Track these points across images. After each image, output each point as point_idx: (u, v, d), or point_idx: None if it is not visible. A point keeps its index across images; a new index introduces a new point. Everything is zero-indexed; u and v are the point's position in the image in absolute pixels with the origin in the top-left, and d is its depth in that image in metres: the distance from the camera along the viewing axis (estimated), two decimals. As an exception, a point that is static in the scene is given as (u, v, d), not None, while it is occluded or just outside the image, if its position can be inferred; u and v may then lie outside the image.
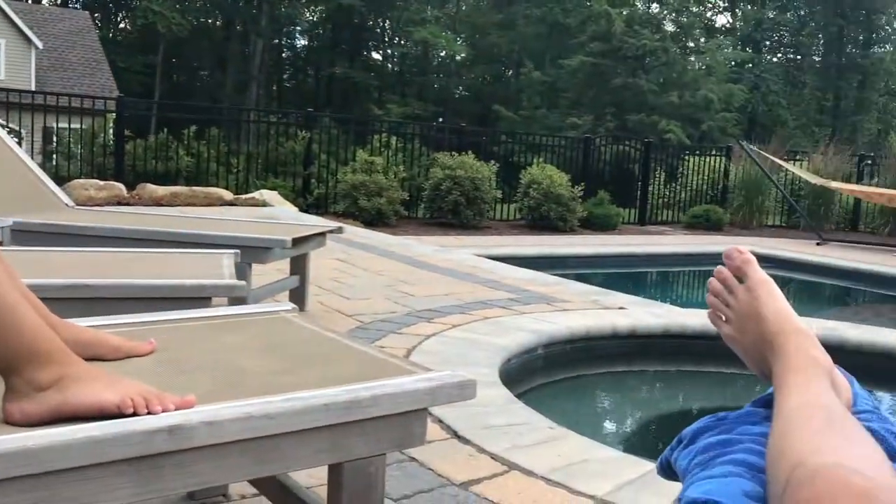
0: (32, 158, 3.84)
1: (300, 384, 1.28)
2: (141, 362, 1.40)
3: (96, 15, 36.98)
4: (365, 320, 3.78)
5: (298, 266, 3.69)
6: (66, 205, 3.72)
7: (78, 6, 38.53)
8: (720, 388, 4.28)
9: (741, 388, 4.16)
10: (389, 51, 43.79)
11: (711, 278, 1.03)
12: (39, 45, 24.88)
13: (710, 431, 0.86)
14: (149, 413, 1.09)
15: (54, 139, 12.34)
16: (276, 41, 42.43)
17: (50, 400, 1.08)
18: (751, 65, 39.24)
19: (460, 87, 42.37)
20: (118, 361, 1.39)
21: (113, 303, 2.00)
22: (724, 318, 1.02)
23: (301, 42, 44.83)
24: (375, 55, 43.90)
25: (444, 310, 4.13)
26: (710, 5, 44.23)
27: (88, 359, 1.22)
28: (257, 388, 1.26)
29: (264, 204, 9.78)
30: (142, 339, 1.50)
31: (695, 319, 4.23)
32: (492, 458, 2.21)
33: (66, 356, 1.12)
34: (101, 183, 9.54)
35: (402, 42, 41.78)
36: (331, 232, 3.83)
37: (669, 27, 35.00)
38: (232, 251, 2.55)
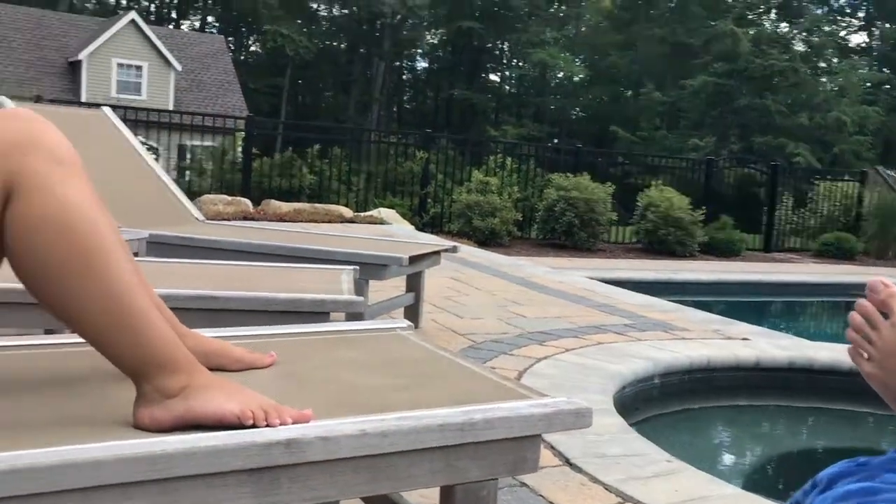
0: (168, 174, 4.05)
1: (415, 403, 1.28)
2: (261, 374, 1.44)
3: (230, 39, 38.86)
4: (477, 340, 3.78)
5: (414, 283, 3.73)
6: (197, 219, 3.90)
7: (214, 31, 40.63)
8: (850, 427, 4.03)
9: (873, 428, 3.91)
10: (507, 72, 44.02)
11: (853, 312, 0.96)
12: (178, 67, 26.35)
13: (849, 477, 0.80)
14: (267, 426, 1.12)
15: (188, 156, 13.01)
16: (398, 64, 43.42)
17: (177, 407, 1.12)
18: (888, 86, 37.23)
19: (577, 108, 42.11)
20: (240, 372, 1.43)
21: (237, 314, 2.07)
22: (865, 354, 0.95)
23: (422, 64, 45.71)
24: (493, 77, 44.23)
25: (556, 333, 4.07)
26: (843, 25, 42.31)
27: (212, 368, 1.26)
28: (373, 405, 1.26)
29: (382, 222, 9.97)
30: (263, 351, 1.54)
31: (824, 353, 4.01)
32: (605, 488, 2.15)
33: (192, 365, 1.16)
34: (229, 198, 9.97)
35: (520, 63, 41.92)
36: (445, 251, 3.86)
37: (799, 47, 33.68)
38: (351, 267, 2.60)
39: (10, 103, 3.76)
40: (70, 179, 1.10)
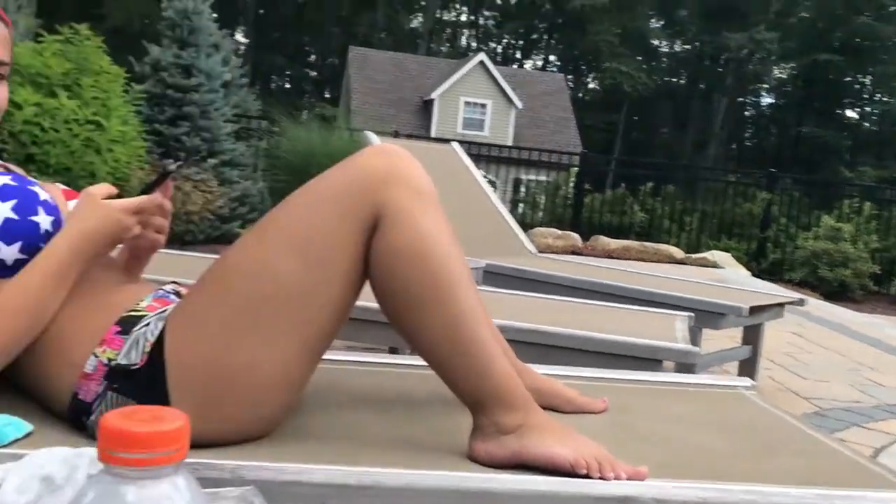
0: (503, 206, 4.20)
1: (760, 475, 1.15)
2: (592, 420, 1.39)
3: (569, 77, 40.02)
4: (823, 406, 3.39)
5: (751, 336, 3.45)
6: (530, 251, 3.99)
7: (555, 69, 42.11)
8: None
9: None
10: (868, 108, 39.99)
11: None
12: (519, 105, 27.65)
13: None
14: (601, 478, 1.06)
15: (522, 189, 13.52)
16: (741, 99, 41.51)
17: (511, 445, 1.11)
18: None
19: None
20: (571, 415, 1.40)
21: (566, 352, 2.05)
22: None
23: (767, 100, 43.25)
24: (850, 113, 40.45)
25: (922, 407, 3.52)
26: None
27: (544, 407, 1.24)
28: (712, 471, 1.16)
29: (715, 265, 9.50)
30: (593, 394, 1.50)
31: None
32: None
33: (529, 404, 1.15)
34: (559, 232, 10.16)
35: (885, 98, 37.84)
36: (790, 303, 3.53)
37: None
38: (686, 314, 2.46)
39: (374, 137, 4.16)
40: (427, 211, 1.15)
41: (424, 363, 1.25)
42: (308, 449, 1.14)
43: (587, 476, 1.06)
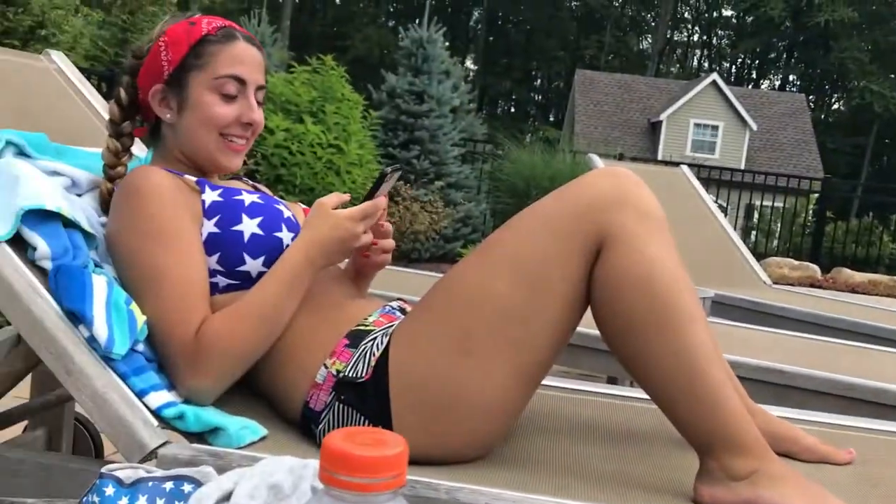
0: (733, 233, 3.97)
1: None
2: (835, 472, 1.25)
3: (810, 97, 37.45)
4: None
5: None
6: (764, 282, 3.74)
7: (794, 89, 39.59)
8: None
9: None
10: None
11: None
12: (754, 126, 26.26)
13: None
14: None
15: (755, 216, 12.78)
16: None
17: (743, 492, 1.03)
18: None
19: None
20: (810, 465, 1.27)
21: (805, 394, 1.88)
22: None
23: None
24: None
25: None
26: None
27: (778, 453, 1.13)
28: None
29: (981, 305, 8.41)
30: (835, 443, 1.36)
31: None
32: None
33: (763, 450, 1.06)
34: (796, 263, 9.47)
35: None
36: None
37: None
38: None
39: (598, 160, 4.10)
40: (655, 236, 1.10)
41: (647, 397, 1.19)
42: (524, 477, 1.11)
43: None
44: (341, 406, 1.15)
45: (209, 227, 1.23)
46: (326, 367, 1.17)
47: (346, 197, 1.24)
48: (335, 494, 0.45)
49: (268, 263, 1.23)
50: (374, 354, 1.15)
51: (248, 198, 1.28)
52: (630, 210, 1.10)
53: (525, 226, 1.15)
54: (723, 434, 1.05)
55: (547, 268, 1.11)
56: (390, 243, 1.33)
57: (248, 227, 1.23)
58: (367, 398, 1.14)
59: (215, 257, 1.22)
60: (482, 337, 1.11)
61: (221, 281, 1.22)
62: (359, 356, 1.16)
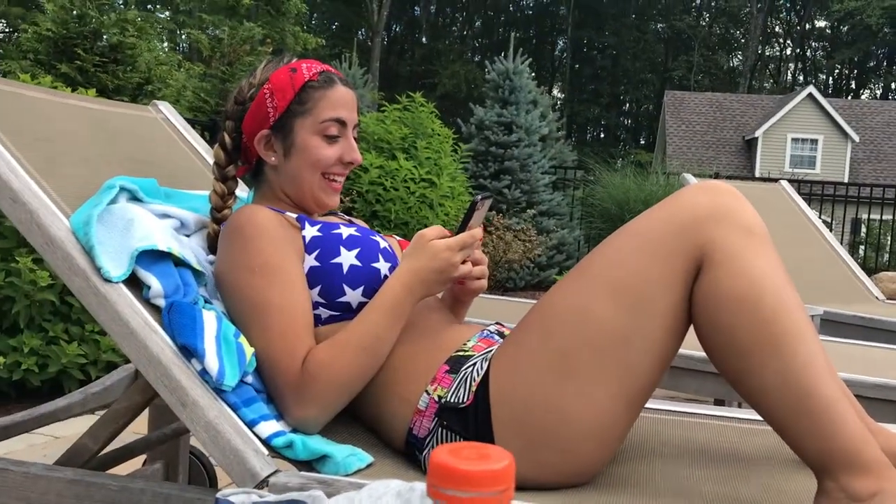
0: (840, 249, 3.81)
1: None
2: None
3: (917, 104, 35.68)
4: None
5: None
6: (876, 297, 3.57)
7: (898, 97, 37.88)
8: None
9: None
10: None
11: None
12: (856, 138, 25.23)
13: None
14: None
15: (863, 230, 12.22)
16: None
17: (863, 514, 0.98)
18: None
19: None
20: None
21: (929, 412, 1.78)
22: None
23: None
24: None
25: None
26: None
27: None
28: None
29: None
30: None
31: None
32: None
33: (886, 468, 1.01)
34: (911, 277, 8.98)
35: None
36: None
37: None
38: None
39: (692, 179, 4.01)
40: (759, 251, 1.07)
41: (757, 417, 1.15)
42: (630, 502, 1.09)
43: None
44: (444, 431, 1.16)
45: (310, 261, 1.27)
46: (428, 394, 1.18)
47: (446, 232, 1.26)
48: (444, 508, 0.46)
49: (367, 293, 1.25)
50: (474, 380, 1.15)
51: (346, 231, 1.31)
52: (731, 225, 1.07)
53: (622, 245, 1.13)
54: (840, 452, 1.00)
55: (646, 288, 1.09)
56: (484, 269, 1.34)
57: (347, 258, 1.27)
58: (470, 423, 1.14)
59: (316, 290, 1.25)
60: (583, 359, 1.09)
61: (324, 313, 1.26)
62: (460, 381, 1.16)
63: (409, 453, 1.21)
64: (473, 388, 1.15)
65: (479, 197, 1.26)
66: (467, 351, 1.21)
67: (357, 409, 1.27)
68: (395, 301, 1.21)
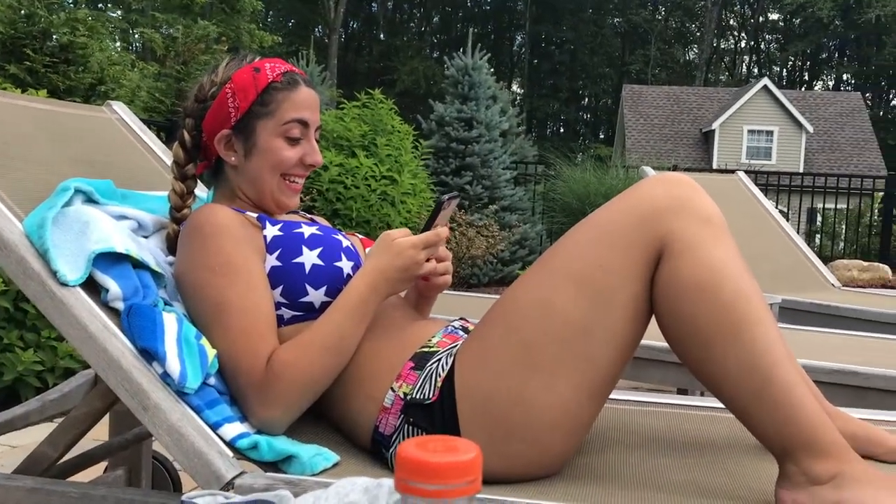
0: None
1: None
2: (923, 472, 1.21)
3: (867, 94, 36.53)
4: None
5: None
6: (833, 285, 3.64)
7: (850, 88, 38.68)
8: None
9: None
10: None
11: None
12: (810, 129, 25.72)
13: None
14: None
15: (818, 219, 12.46)
16: None
17: (826, 497, 1.00)
18: None
19: None
20: (894, 465, 1.23)
21: (883, 395, 1.82)
22: None
23: None
24: None
25: None
26: None
27: (860, 456, 1.09)
28: None
29: None
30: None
31: None
32: None
33: (844, 451, 1.03)
34: (865, 264, 9.18)
35: None
36: None
37: None
38: None
39: (651, 172, 4.06)
40: (718, 240, 1.08)
41: (720, 405, 1.16)
42: (598, 492, 1.10)
43: None
44: (410, 428, 1.16)
45: (271, 261, 1.26)
46: (394, 391, 1.18)
47: (411, 234, 1.25)
48: (413, 503, 0.45)
49: (330, 293, 1.25)
50: (440, 375, 1.15)
51: (308, 230, 1.30)
52: (689, 215, 1.09)
53: (583, 238, 1.14)
54: (801, 437, 1.02)
55: (607, 279, 1.09)
56: (448, 265, 1.34)
57: (309, 258, 1.26)
58: (436, 419, 1.14)
59: (279, 290, 1.24)
60: (547, 352, 1.10)
61: (286, 313, 1.25)
62: (425, 377, 1.16)
63: (375, 451, 1.21)
64: (439, 384, 1.15)
65: (447, 197, 1.25)
66: (432, 347, 1.21)
67: (322, 408, 1.26)
68: (359, 300, 1.21)
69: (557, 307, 1.10)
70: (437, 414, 1.14)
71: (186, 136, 1.37)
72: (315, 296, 1.24)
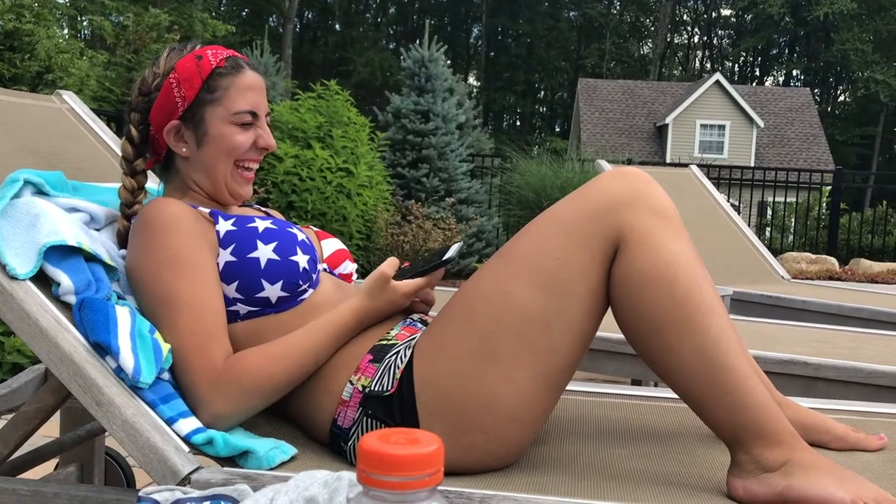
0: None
1: None
2: (868, 458, 1.24)
3: (816, 91, 37.33)
4: None
5: None
6: (782, 277, 3.72)
7: (799, 84, 39.49)
8: None
9: None
10: None
11: None
12: (761, 123, 26.20)
13: None
14: (885, 525, 0.94)
15: (769, 212, 12.72)
16: None
17: (776, 483, 1.02)
18: None
19: None
20: (841, 453, 1.26)
21: (832, 385, 1.87)
22: None
23: None
24: None
25: None
26: None
27: (810, 444, 1.12)
28: None
29: None
30: (867, 430, 1.35)
31: None
32: None
33: (793, 439, 1.06)
34: (813, 256, 9.41)
35: None
36: None
37: None
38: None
39: (607, 166, 4.10)
40: (672, 233, 1.10)
41: (673, 396, 1.19)
42: (555, 480, 1.11)
43: None
44: (370, 420, 1.16)
45: (225, 256, 1.24)
46: (352, 384, 1.18)
47: (397, 262, 1.29)
48: (375, 495, 0.46)
49: (286, 288, 1.24)
50: (398, 367, 1.16)
51: (262, 224, 1.29)
52: (644, 209, 1.10)
53: (540, 231, 1.15)
54: (752, 425, 1.04)
55: (565, 271, 1.11)
56: (432, 300, 1.37)
57: (264, 253, 1.24)
58: (395, 411, 1.14)
59: (234, 285, 1.23)
60: (504, 343, 1.11)
61: (242, 308, 1.24)
62: (384, 370, 1.16)
63: (333, 445, 1.21)
64: (398, 376, 1.15)
65: (453, 252, 1.28)
66: (390, 340, 1.21)
67: (281, 404, 1.26)
68: (344, 329, 1.22)
69: (516, 299, 1.11)
70: (395, 406, 1.14)
71: (133, 130, 1.34)
72: (271, 291, 1.23)
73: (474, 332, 1.12)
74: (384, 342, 1.21)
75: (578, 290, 1.11)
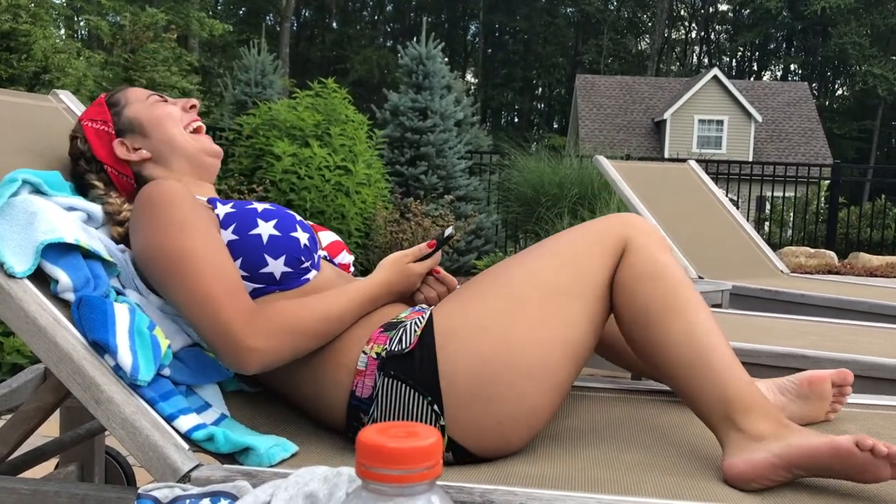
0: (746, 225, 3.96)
1: None
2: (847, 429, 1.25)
3: (813, 85, 37.35)
4: None
5: None
6: (781, 271, 3.72)
7: (797, 78, 39.51)
8: None
9: None
10: None
11: None
12: (759, 118, 26.20)
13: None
14: (888, 453, 0.98)
15: (767, 207, 12.73)
16: None
17: (772, 447, 1.06)
18: None
19: None
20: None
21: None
22: None
23: None
24: None
25: None
26: None
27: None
28: None
29: None
30: (865, 422, 1.36)
31: None
32: None
33: (778, 411, 1.12)
34: (812, 250, 9.42)
35: None
36: None
37: None
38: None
39: (605, 161, 4.10)
40: (659, 246, 1.25)
41: (667, 389, 1.20)
42: (559, 474, 1.12)
43: (872, 450, 0.98)
44: (390, 381, 1.16)
45: (227, 235, 1.25)
46: (366, 353, 1.19)
47: (419, 253, 1.36)
48: (374, 488, 0.46)
49: (290, 263, 1.25)
50: (418, 326, 1.19)
51: (260, 206, 1.33)
52: (641, 232, 1.26)
53: (556, 240, 1.27)
54: (738, 397, 1.10)
55: (585, 259, 1.23)
56: (444, 291, 1.41)
57: (265, 229, 1.26)
58: (416, 367, 1.15)
59: (238, 263, 1.24)
60: (532, 302, 1.18)
61: (248, 286, 1.24)
62: (400, 332, 1.19)
63: (351, 422, 1.20)
64: (417, 332, 1.18)
65: (452, 230, 1.38)
66: (401, 319, 1.25)
67: (293, 388, 1.26)
68: (370, 299, 1.27)
69: (542, 274, 1.21)
70: (416, 361, 1.16)
71: (97, 182, 1.40)
72: (275, 266, 1.24)
73: (500, 294, 1.19)
74: (394, 320, 1.25)
75: (595, 278, 1.22)
